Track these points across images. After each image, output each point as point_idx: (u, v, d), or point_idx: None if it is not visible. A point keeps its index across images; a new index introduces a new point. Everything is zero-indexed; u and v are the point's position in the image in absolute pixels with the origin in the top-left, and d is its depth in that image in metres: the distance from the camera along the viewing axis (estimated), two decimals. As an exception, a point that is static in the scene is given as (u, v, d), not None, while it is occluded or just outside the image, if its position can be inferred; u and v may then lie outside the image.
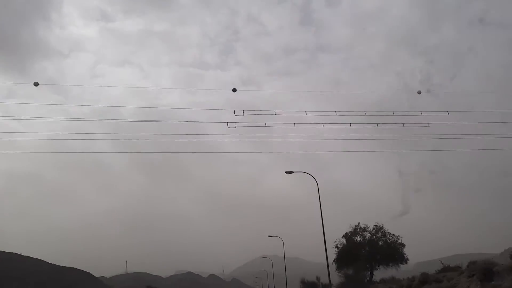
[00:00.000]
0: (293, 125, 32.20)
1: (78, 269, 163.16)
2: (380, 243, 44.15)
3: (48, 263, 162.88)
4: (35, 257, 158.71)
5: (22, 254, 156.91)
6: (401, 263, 43.76)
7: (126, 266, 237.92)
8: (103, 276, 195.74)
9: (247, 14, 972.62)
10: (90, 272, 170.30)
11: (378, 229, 44.41)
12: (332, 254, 46.65)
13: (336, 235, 46.37)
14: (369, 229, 45.03)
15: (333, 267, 47.54)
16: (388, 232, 44.08)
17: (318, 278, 53.86)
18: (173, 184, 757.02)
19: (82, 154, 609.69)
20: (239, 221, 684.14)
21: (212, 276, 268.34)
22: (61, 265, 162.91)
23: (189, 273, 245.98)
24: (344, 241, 46.03)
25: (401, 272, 46.68)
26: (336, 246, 46.19)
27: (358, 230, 45.46)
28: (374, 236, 44.53)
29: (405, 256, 43.34)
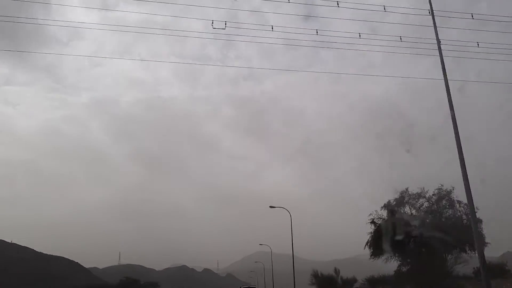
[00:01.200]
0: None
1: (66, 259, 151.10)
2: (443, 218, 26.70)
3: (34, 251, 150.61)
4: (22, 245, 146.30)
5: (12, 241, 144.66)
6: (474, 250, 26.31)
7: (119, 257, 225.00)
8: (95, 267, 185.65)
9: (249, 7, 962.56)
10: (79, 262, 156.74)
11: (443, 195, 26.72)
12: (365, 234, 29.41)
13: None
14: (426, 196, 27.37)
15: (365, 254, 30.26)
16: (458, 201, 26.34)
17: (337, 271, 36.69)
18: (169, 176, 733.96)
19: (78, 142, 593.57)
20: (236, 216, 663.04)
21: (206, 270, 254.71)
22: (49, 253, 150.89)
23: (183, 266, 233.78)
24: (384, 214, 28.52)
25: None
26: (372, 221, 28.77)
27: (407, 198, 27.76)
28: (435, 206, 26.90)
29: (484, 237, 25.89)
